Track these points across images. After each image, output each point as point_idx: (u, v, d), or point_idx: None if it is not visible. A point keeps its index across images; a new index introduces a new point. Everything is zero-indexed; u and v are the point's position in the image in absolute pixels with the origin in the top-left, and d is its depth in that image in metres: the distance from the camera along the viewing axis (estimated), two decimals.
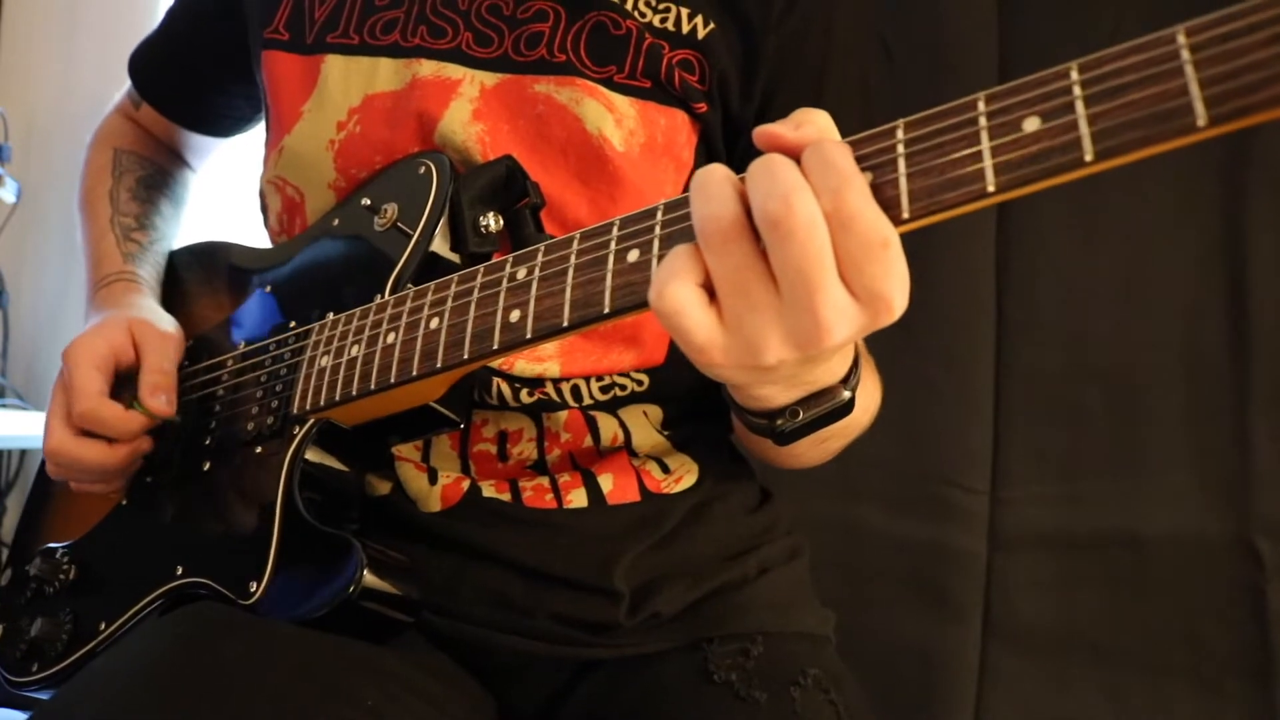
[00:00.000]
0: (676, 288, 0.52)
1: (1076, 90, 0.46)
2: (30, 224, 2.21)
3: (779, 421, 0.63)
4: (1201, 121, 0.42)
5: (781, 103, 0.86)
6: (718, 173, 0.52)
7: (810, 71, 0.87)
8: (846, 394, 0.62)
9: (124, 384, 0.86)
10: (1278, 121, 1.28)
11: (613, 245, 0.59)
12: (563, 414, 0.85)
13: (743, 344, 0.52)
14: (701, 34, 0.85)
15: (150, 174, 1.10)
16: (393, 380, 0.71)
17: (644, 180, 0.83)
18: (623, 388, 0.88)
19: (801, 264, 0.49)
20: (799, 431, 0.63)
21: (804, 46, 0.87)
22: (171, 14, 1.10)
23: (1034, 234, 1.35)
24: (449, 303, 0.69)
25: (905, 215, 0.50)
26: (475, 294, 0.67)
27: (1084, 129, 0.45)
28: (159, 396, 0.85)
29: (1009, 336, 1.36)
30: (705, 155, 0.86)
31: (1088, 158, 0.45)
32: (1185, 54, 0.43)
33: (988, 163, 0.48)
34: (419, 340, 0.70)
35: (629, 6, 0.85)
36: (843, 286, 0.50)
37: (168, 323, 0.92)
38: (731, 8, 0.85)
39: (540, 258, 0.63)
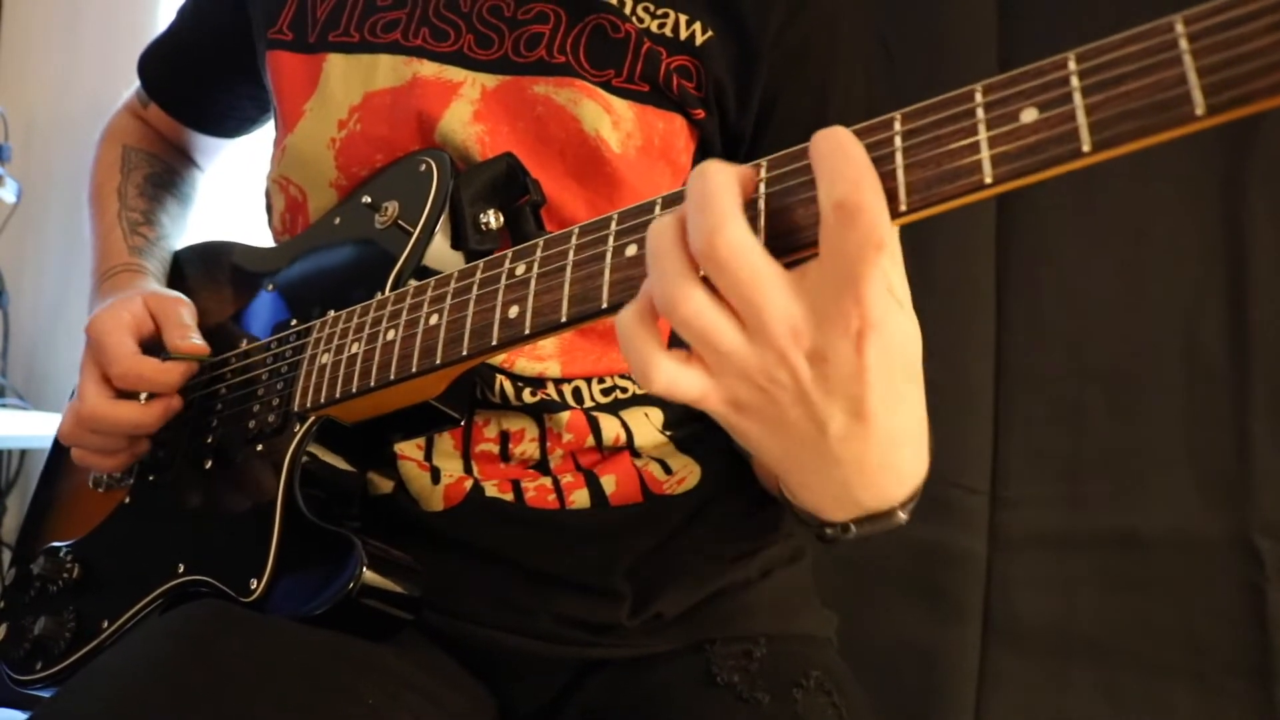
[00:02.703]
0: (658, 372, 0.51)
1: (1074, 81, 0.45)
2: (30, 224, 2.21)
3: (828, 530, 0.63)
4: (1200, 111, 0.42)
5: (782, 114, 0.86)
6: (666, 237, 0.51)
7: (813, 85, 0.87)
8: (903, 516, 0.61)
9: (147, 353, 0.87)
10: (1278, 119, 1.27)
11: (611, 240, 0.59)
12: (564, 415, 0.85)
13: (734, 384, 0.51)
14: (699, 41, 0.85)
15: (158, 172, 1.11)
16: (392, 377, 0.71)
17: (641, 182, 0.83)
18: (624, 390, 0.88)
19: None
20: (845, 542, 0.63)
21: (806, 60, 0.86)
22: (180, 15, 1.11)
23: (1034, 234, 1.35)
24: (448, 299, 0.69)
25: (903, 208, 0.49)
26: (474, 290, 0.67)
27: (1082, 119, 0.45)
28: (189, 340, 0.85)
29: (1009, 336, 1.35)
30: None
31: (1085, 148, 0.45)
32: (1183, 43, 0.42)
33: (985, 154, 0.47)
34: (418, 337, 0.70)
35: (627, 11, 0.85)
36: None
37: (180, 294, 0.92)
38: (730, 17, 0.85)
39: (539, 253, 0.63)
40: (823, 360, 0.49)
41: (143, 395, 0.84)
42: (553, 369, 0.85)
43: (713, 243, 0.48)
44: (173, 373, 0.84)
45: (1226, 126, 1.30)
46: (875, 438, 0.53)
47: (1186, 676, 1.24)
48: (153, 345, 0.87)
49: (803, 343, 0.49)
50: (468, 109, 0.84)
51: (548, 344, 0.84)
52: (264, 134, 1.10)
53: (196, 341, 0.86)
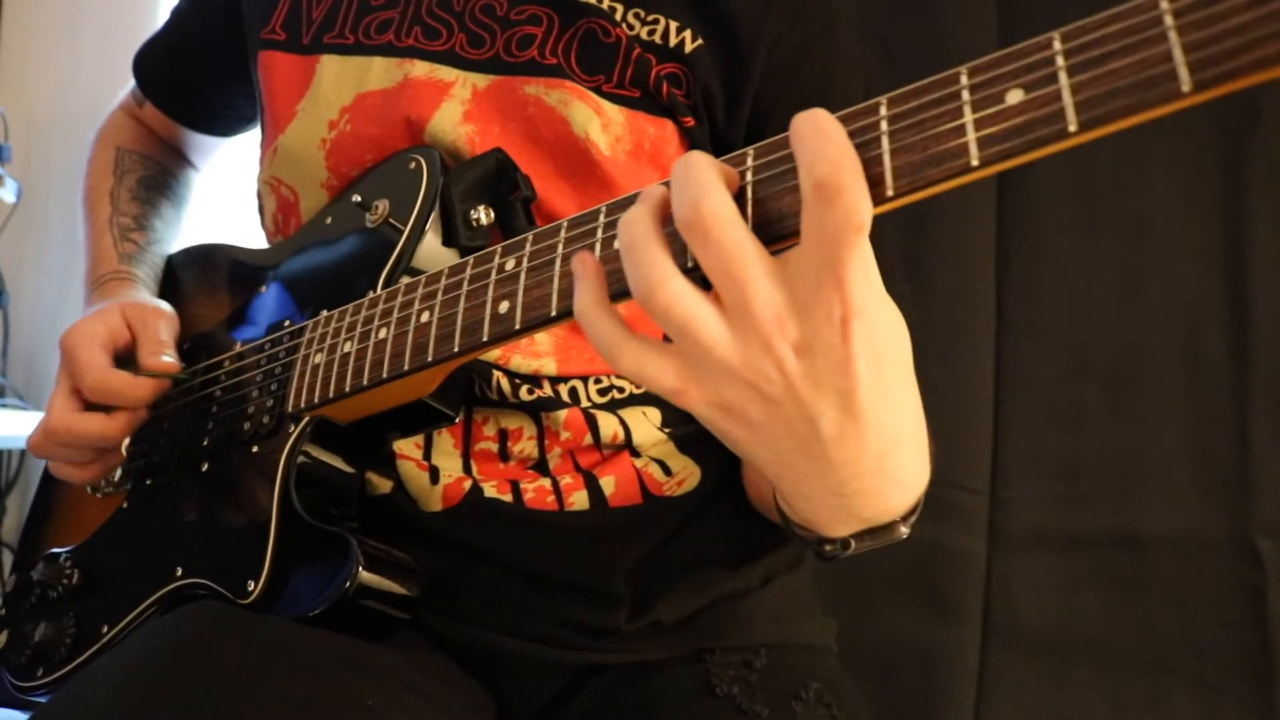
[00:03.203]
0: (623, 351, 0.52)
1: (1059, 60, 0.45)
2: (30, 224, 2.21)
3: (827, 547, 0.63)
4: (1186, 88, 0.41)
5: (779, 123, 0.86)
6: (640, 227, 0.51)
7: (811, 93, 0.86)
8: (904, 530, 0.61)
9: (122, 365, 0.87)
10: (1278, 119, 1.26)
11: (599, 233, 0.59)
12: (562, 413, 0.85)
13: (720, 384, 0.51)
14: (689, 48, 0.85)
15: (152, 174, 1.11)
16: (384, 375, 0.71)
17: (631, 185, 0.82)
18: (620, 390, 0.87)
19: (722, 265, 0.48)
20: (844, 557, 0.63)
21: (804, 68, 0.86)
22: (175, 14, 1.11)
23: (1034, 234, 1.35)
24: (439, 296, 0.69)
25: (889, 193, 0.48)
26: (465, 286, 0.67)
27: (1067, 99, 0.44)
28: (158, 357, 0.85)
29: (1009, 336, 1.35)
30: None
31: (1072, 128, 0.44)
32: (1168, 19, 0.42)
33: (971, 137, 0.47)
34: (410, 334, 0.70)
35: (618, 16, 0.85)
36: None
37: (161, 304, 0.92)
38: (721, 26, 0.85)
39: (529, 247, 0.63)
40: (808, 350, 0.49)
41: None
42: (549, 366, 0.84)
43: (698, 208, 0.48)
44: (143, 388, 0.85)
45: (1226, 126, 1.29)
46: (868, 437, 0.52)
47: (1186, 677, 1.24)
48: (128, 358, 0.87)
49: (788, 334, 0.49)
50: (458, 109, 0.84)
51: (543, 340, 0.84)
52: (256, 134, 1.10)
53: (168, 359, 0.86)
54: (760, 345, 0.49)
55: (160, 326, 0.88)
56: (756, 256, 0.49)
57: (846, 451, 0.53)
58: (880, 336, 0.50)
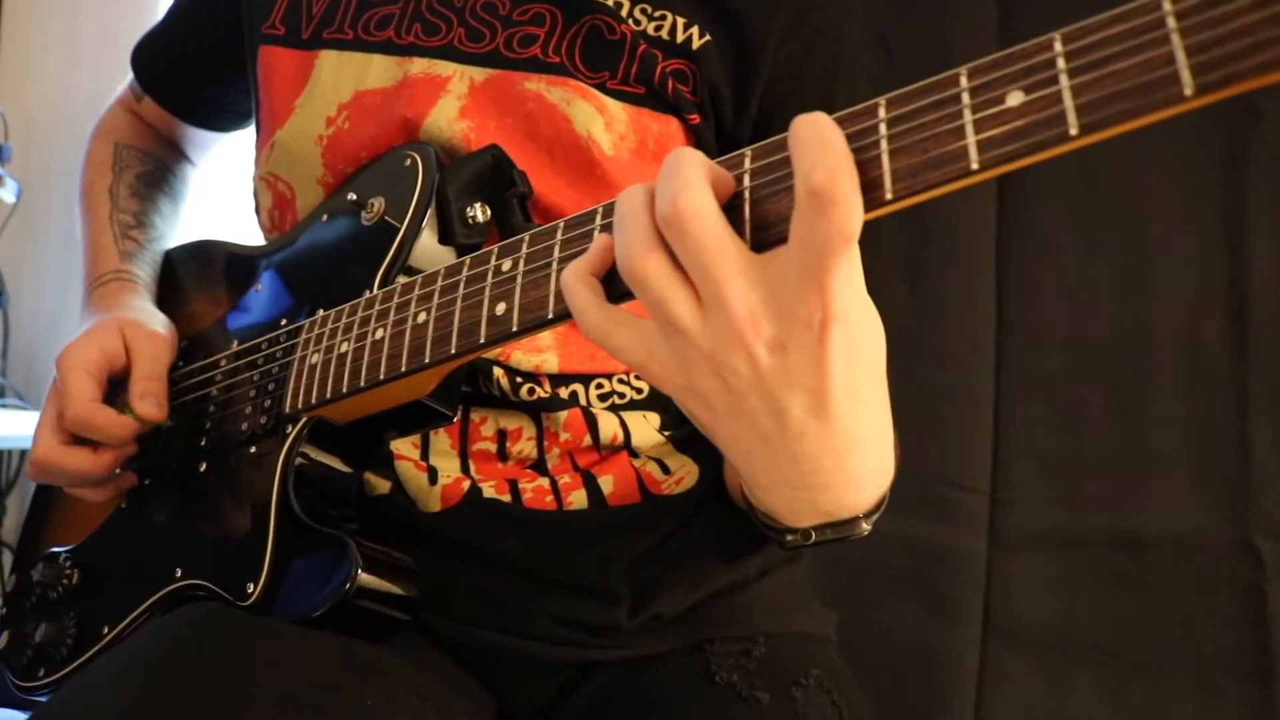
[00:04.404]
0: (592, 316, 0.53)
1: (1060, 62, 0.44)
2: (30, 224, 2.21)
3: (789, 538, 0.63)
4: (1189, 91, 0.41)
5: (783, 121, 0.85)
6: (636, 201, 0.52)
7: (816, 93, 0.86)
8: (866, 527, 0.62)
9: (117, 388, 0.86)
10: (1278, 121, 1.26)
11: (597, 233, 0.58)
12: (562, 414, 0.84)
13: (689, 369, 0.52)
14: (696, 45, 0.84)
15: (151, 170, 1.11)
16: (382, 377, 0.71)
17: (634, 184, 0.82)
18: (621, 395, 0.87)
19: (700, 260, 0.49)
20: (805, 547, 0.63)
21: (810, 66, 0.86)
22: (175, 7, 1.11)
23: (1034, 234, 1.35)
24: (435, 297, 0.69)
25: (888, 196, 0.48)
26: (461, 288, 0.67)
27: (1068, 101, 0.44)
28: (148, 401, 0.84)
29: (1009, 337, 1.36)
30: None
31: (1073, 131, 0.43)
32: (1171, 21, 0.41)
33: (970, 139, 0.46)
34: (407, 335, 0.70)
35: (624, 12, 0.85)
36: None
37: (160, 324, 0.91)
38: (730, 22, 0.84)
39: (525, 249, 0.63)
40: (782, 348, 0.50)
41: None
42: (550, 361, 0.84)
43: (676, 204, 0.49)
44: (125, 428, 0.84)
45: (1227, 127, 1.30)
46: (831, 437, 0.53)
47: (1186, 677, 1.24)
48: (121, 381, 0.86)
49: (762, 331, 0.49)
50: (454, 105, 0.84)
51: (545, 336, 0.84)
52: (253, 130, 1.09)
53: (153, 405, 0.84)
54: (731, 340, 0.50)
55: (157, 357, 0.87)
56: (734, 254, 0.49)
57: (806, 448, 0.54)
58: (858, 341, 0.50)
